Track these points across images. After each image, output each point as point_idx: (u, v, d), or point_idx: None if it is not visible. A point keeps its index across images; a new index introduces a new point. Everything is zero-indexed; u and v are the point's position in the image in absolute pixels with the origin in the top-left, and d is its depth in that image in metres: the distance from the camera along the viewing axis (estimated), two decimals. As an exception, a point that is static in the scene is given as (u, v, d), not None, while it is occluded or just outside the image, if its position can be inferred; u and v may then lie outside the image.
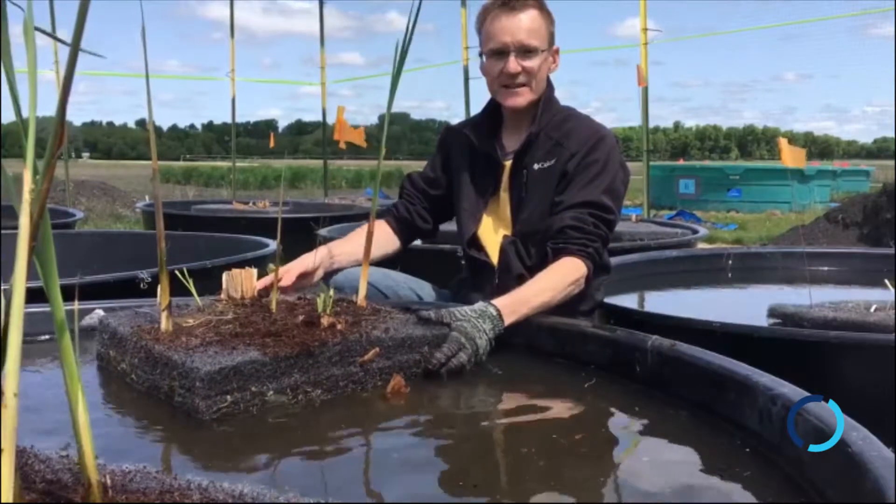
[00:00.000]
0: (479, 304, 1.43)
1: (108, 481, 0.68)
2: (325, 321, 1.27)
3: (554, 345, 1.47)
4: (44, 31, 0.55)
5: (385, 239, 1.94)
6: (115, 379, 1.30)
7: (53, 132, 0.57)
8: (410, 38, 1.43)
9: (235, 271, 1.45)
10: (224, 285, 1.46)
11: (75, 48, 0.53)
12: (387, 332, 1.30)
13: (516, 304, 1.49)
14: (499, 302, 1.45)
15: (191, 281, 1.40)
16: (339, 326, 1.27)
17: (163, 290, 1.23)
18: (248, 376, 1.11)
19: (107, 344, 1.35)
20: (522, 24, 1.77)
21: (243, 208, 6.77)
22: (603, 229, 1.73)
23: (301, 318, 1.29)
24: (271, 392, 1.14)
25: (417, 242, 2.23)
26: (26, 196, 0.51)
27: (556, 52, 1.88)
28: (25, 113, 0.56)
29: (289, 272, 1.63)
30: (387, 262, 1.97)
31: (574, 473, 0.96)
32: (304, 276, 1.67)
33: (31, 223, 0.51)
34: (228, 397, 1.09)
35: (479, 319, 1.39)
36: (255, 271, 1.47)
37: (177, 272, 1.43)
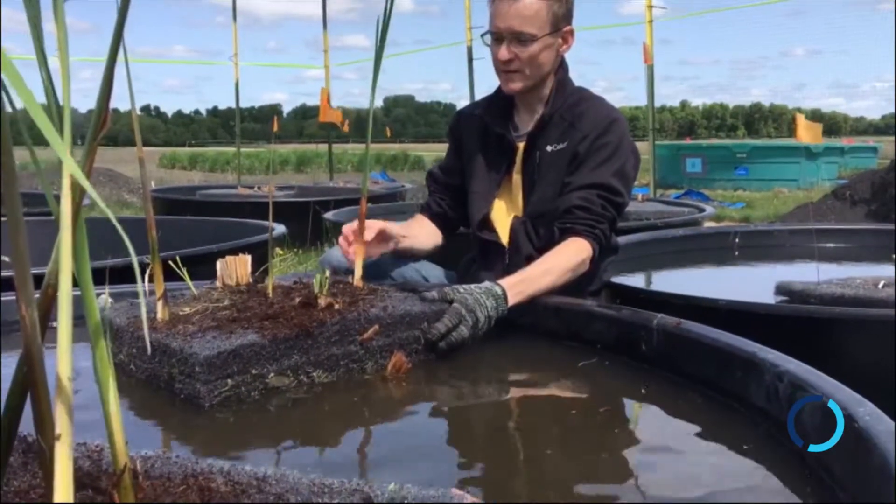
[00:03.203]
0: (486, 283, 1.44)
1: (138, 467, 0.68)
2: (322, 301, 1.27)
3: (559, 325, 1.47)
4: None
5: (432, 234, 1.96)
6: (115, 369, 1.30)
7: (95, 116, 0.57)
8: (388, 20, 1.42)
9: (229, 258, 1.45)
10: (218, 272, 1.46)
11: (118, 33, 0.53)
12: (385, 309, 1.30)
13: (522, 284, 1.49)
14: (505, 282, 1.46)
15: (184, 269, 1.39)
16: (336, 306, 1.27)
17: (157, 279, 1.23)
18: (247, 359, 1.11)
19: None
20: (518, 11, 1.73)
21: (248, 193, 6.77)
22: (611, 211, 1.72)
23: (298, 300, 1.29)
24: (272, 374, 1.14)
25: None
26: (66, 181, 0.51)
27: (569, 33, 1.83)
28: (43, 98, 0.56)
29: (369, 226, 1.61)
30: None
31: (582, 455, 0.97)
32: (383, 233, 1.68)
33: (73, 207, 0.51)
34: (229, 381, 1.10)
35: (482, 295, 1.39)
36: (248, 258, 1.47)
37: (169, 261, 1.42)
